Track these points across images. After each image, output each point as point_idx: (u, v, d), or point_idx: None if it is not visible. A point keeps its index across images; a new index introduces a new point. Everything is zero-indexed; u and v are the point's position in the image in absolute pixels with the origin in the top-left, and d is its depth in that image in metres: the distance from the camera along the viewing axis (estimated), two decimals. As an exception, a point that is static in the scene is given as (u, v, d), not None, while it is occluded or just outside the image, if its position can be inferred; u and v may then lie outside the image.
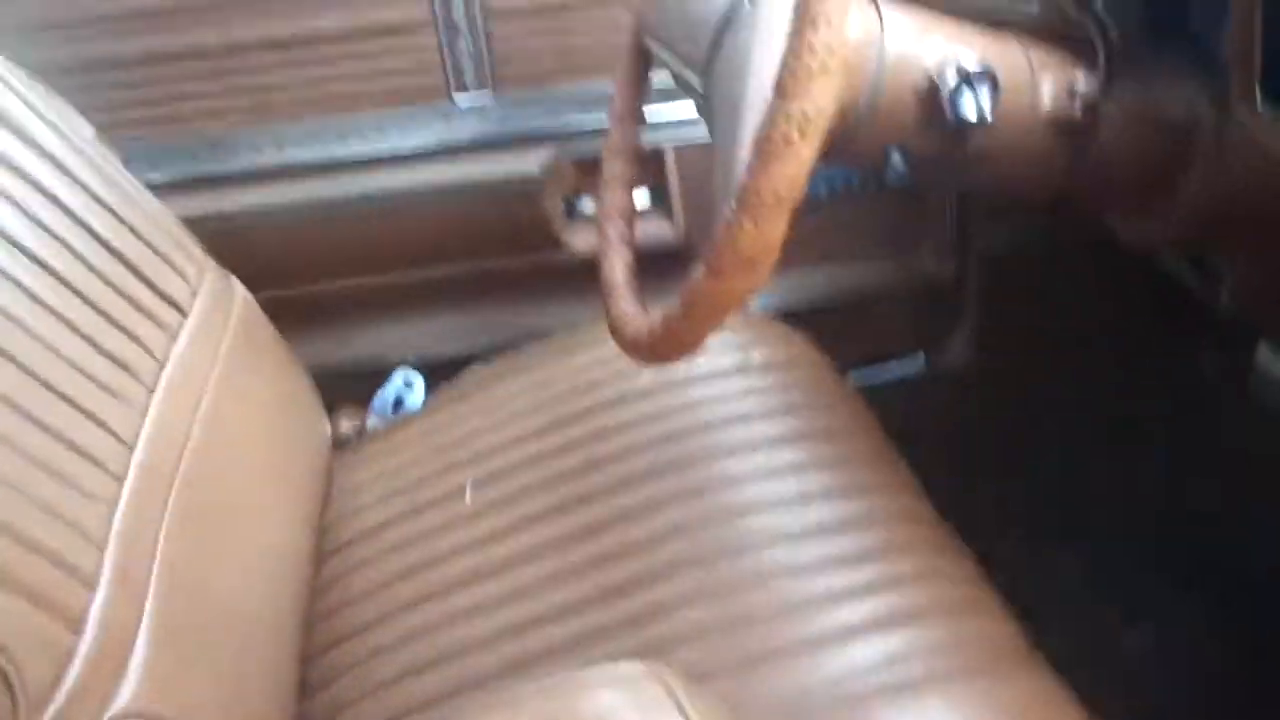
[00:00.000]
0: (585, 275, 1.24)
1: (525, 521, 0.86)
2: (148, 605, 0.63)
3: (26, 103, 0.78)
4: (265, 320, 0.96)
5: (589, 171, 1.21)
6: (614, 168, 0.83)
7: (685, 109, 1.13)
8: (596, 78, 1.16)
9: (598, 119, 1.18)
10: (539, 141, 1.17)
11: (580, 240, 1.21)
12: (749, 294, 0.55)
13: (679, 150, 1.17)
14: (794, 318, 1.05)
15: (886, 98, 0.63)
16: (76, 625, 0.57)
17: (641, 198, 1.25)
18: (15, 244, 0.68)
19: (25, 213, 0.70)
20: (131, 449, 0.70)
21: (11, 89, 0.77)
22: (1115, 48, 0.65)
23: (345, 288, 1.19)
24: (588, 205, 1.23)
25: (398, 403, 1.16)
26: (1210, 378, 1.12)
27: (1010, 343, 1.25)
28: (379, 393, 1.17)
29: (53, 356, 0.66)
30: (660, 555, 0.78)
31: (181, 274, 0.86)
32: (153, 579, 0.65)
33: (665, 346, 0.62)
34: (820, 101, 0.48)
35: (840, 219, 1.18)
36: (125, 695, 0.58)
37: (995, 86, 0.62)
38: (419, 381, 1.16)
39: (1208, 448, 1.13)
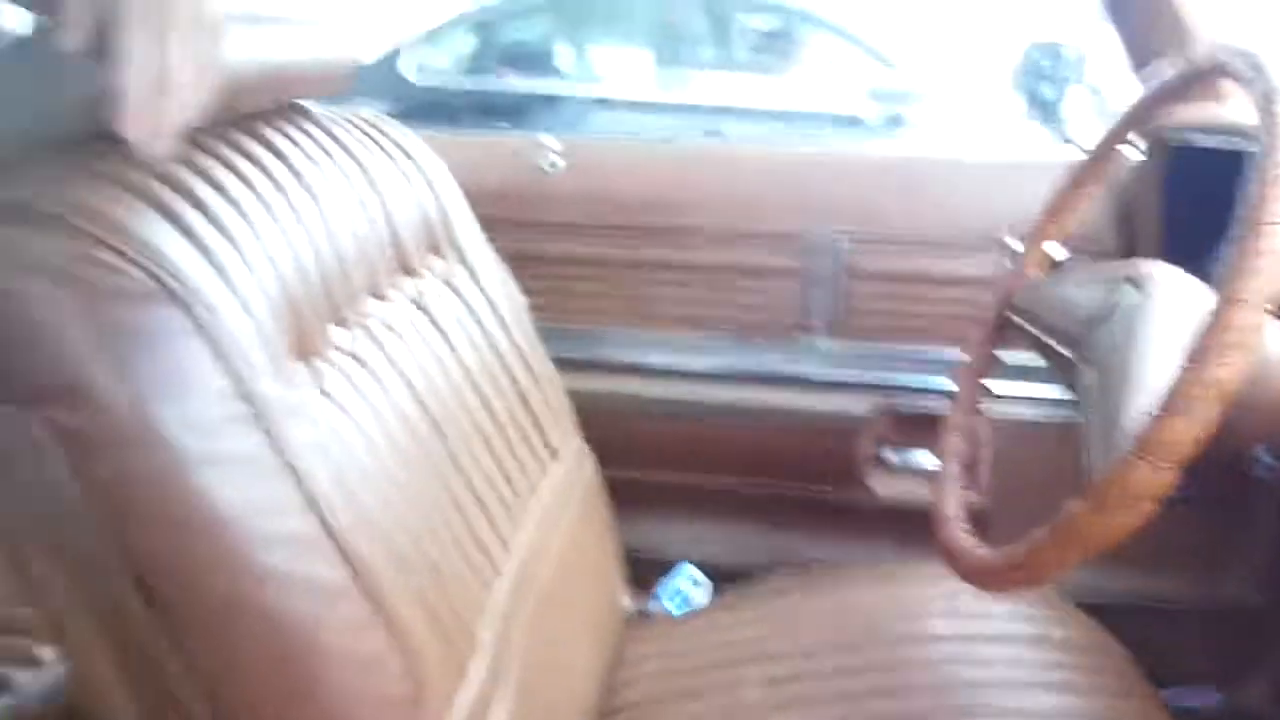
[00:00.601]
0: (880, 520, 1.31)
1: None
2: (511, 680, 0.73)
3: (491, 267, 0.98)
4: (603, 492, 1.09)
5: (904, 426, 1.31)
6: (959, 419, 0.92)
7: (1005, 388, 1.21)
8: (929, 343, 1.27)
9: (923, 379, 1.29)
10: (867, 389, 1.28)
11: (882, 486, 1.28)
12: (1123, 533, 0.60)
13: (995, 423, 1.23)
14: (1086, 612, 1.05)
15: (1269, 394, 0.67)
16: (463, 674, 0.68)
17: (933, 459, 1.32)
18: (461, 363, 0.85)
19: (472, 343, 0.88)
20: (508, 549, 0.82)
21: (486, 258, 0.98)
22: None
23: (664, 481, 1.32)
24: (893, 456, 1.31)
25: (680, 597, 1.24)
26: None
27: None
28: (665, 581, 1.26)
29: (470, 455, 0.80)
30: None
31: (559, 427, 1.01)
32: (514, 659, 0.75)
33: (1021, 574, 0.66)
34: (1232, 372, 0.55)
35: (1153, 522, 1.17)
36: None
37: None
38: (706, 582, 1.25)
39: None
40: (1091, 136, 1.27)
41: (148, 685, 0.58)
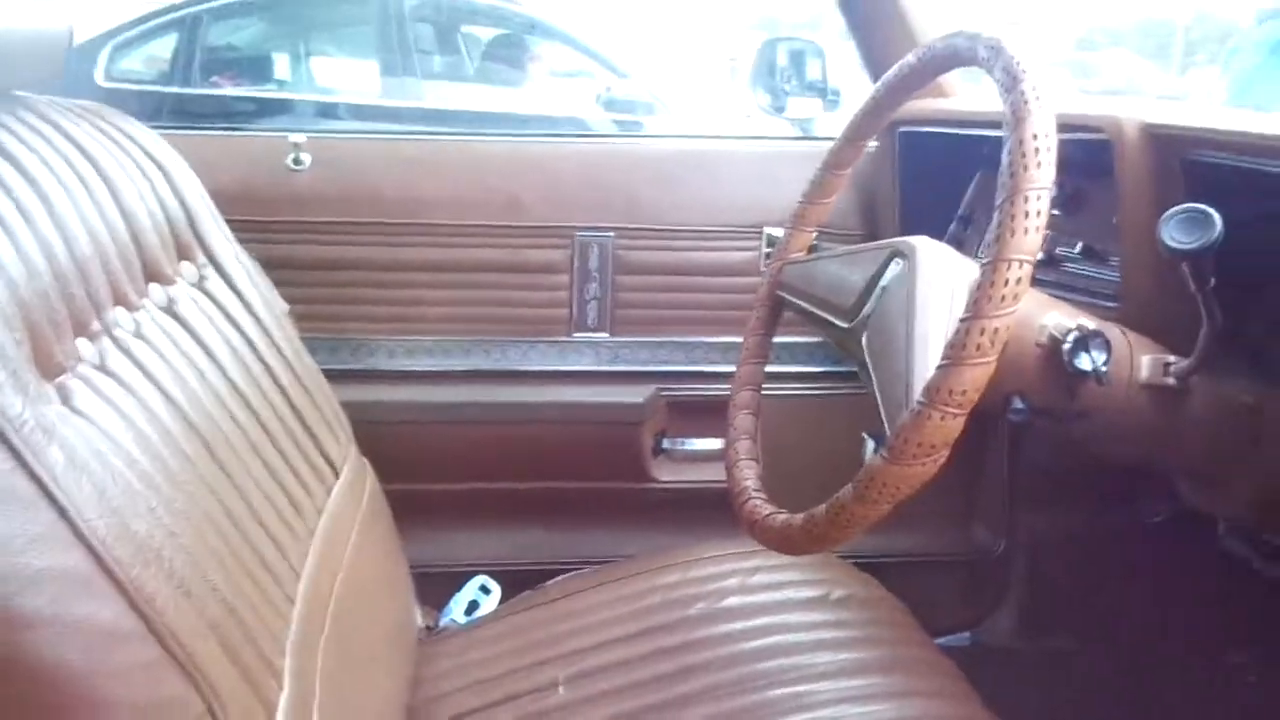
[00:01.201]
0: (666, 507, 1.33)
1: (618, 718, 0.88)
2: (314, 715, 0.67)
3: (247, 273, 0.90)
4: (386, 508, 1.04)
5: (681, 413, 1.34)
6: (744, 397, 0.95)
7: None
8: (699, 332, 1.31)
9: (696, 367, 1.32)
10: (642, 379, 1.29)
11: (665, 473, 1.30)
12: (921, 481, 0.64)
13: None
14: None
15: (1013, 349, 0.75)
16: (270, 712, 0.62)
17: (714, 444, 1.36)
18: (224, 375, 0.78)
19: (235, 354, 0.81)
20: (298, 576, 0.76)
21: (241, 263, 0.91)
22: (1213, 333, 0.78)
23: (444, 490, 1.27)
24: (674, 444, 1.34)
25: (471, 606, 1.20)
26: (1248, 680, 1.17)
27: (1055, 623, 1.31)
28: (455, 595, 1.21)
29: (246, 474, 0.74)
30: None
31: (336, 440, 0.95)
32: (317, 690, 0.69)
33: (832, 530, 0.69)
34: (1008, 323, 0.60)
35: None
36: None
37: (1108, 349, 0.74)
38: (496, 589, 1.21)
39: None
40: (834, 127, 1.37)
41: None
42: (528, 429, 1.29)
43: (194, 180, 0.88)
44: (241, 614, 0.63)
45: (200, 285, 0.83)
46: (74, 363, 0.62)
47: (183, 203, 0.85)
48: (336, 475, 0.93)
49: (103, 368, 0.64)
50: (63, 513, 0.51)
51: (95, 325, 0.67)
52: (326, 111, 3.87)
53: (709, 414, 1.32)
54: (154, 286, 0.77)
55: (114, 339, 0.68)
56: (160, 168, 0.84)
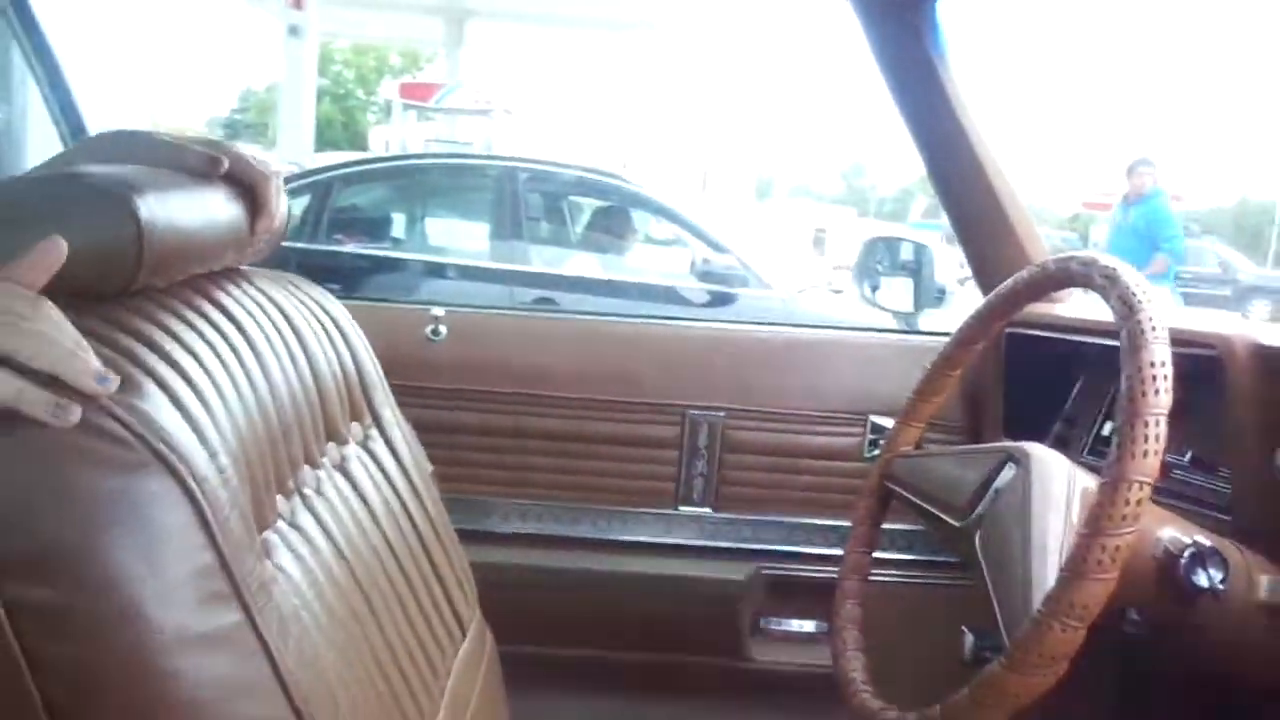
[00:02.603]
0: (762, 686, 1.33)
1: None
2: None
3: (403, 434, 0.97)
4: (500, 672, 1.07)
5: (780, 593, 1.36)
6: (851, 585, 0.97)
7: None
8: (801, 513, 1.34)
9: (797, 548, 1.35)
10: (744, 556, 1.32)
11: (761, 653, 1.31)
12: (1039, 691, 0.65)
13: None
14: None
15: (1130, 561, 0.77)
16: None
17: (809, 625, 1.37)
18: (382, 532, 0.83)
19: (390, 512, 0.86)
20: None
21: (399, 424, 0.98)
22: None
23: (546, 655, 1.29)
24: (771, 623, 1.35)
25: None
26: None
27: None
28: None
29: (396, 632, 0.78)
30: None
31: (466, 599, 0.99)
32: None
33: None
34: (1129, 539, 0.63)
35: None
36: None
37: (1225, 566, 0.76)
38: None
39: None
40: (937, 324, 1.43)
41: None
42: (630, 599, 1.32)
43: (366, 345, 0.96)
44: None
45: (365, 444, 0.88)
46: (275, 519, 0.67)
47: (358, 366, 0.91)
48: (465, 634, 0.96)
49: (293, 523, 0.69)
50: (274, 666, 0.55)
51: (290, 483, 0.72)
52: (437, 271, 4.11)
53: (808, 595, 1.33)
54: (331, 445, 0.82)
55: (303, 496, 0.72)
56: (342, 332, 0.90)
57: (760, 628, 1.36)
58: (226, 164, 0.70)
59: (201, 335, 0.65)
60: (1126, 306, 0.72)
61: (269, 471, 0.67)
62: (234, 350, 0.67)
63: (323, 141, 11.94)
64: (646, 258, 4.50)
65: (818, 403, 1.35)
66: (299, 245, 4.07)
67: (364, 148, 13.62)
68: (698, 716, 1.31)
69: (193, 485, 0.54)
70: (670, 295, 4.04)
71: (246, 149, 0.80)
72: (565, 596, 1.31)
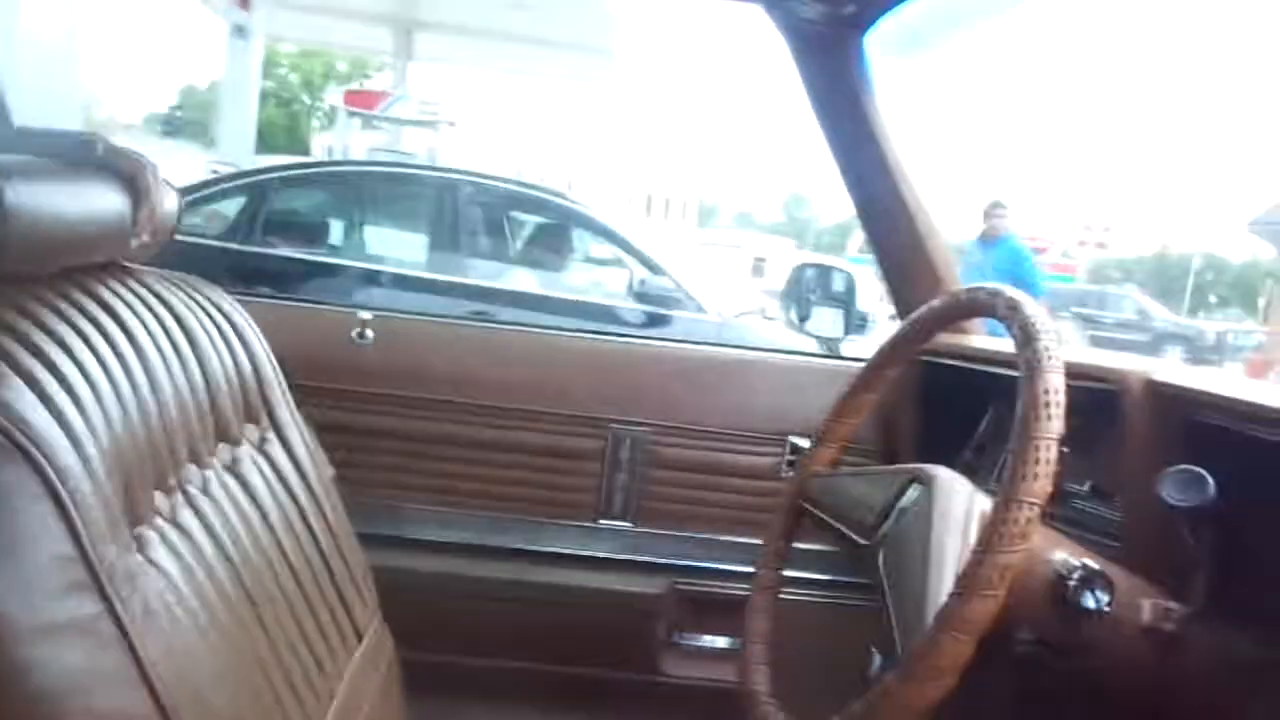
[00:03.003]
0: (672, 701, 1.34)
1: None
2: None
3: (302, 437, 0.97)
4: (400, 680, 1.06)
5: (695, 609, 1.37)
6: (761, 600, 0.99)
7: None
8: (719, 530, 1.36)
9: (713, 564, 1.37)
10: (661, 570, 1.34)
11: (674, 667, 1.32)
12: (931, 702, 0.68)
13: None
14: None
15: (1021, 582, 0.80)
16: None
17: (722, 641, 1.39)
18: (273, 534, 0.83)
19: (284, 515, 0.86)
20: None
21: (298, 427, 0.97)
22: (1209, 583, 0.82)
23: (458, 665, 1.29)
24: (687, 639, 1.36)
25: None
26: None
27: None
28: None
29: (281, 633, 0.77)
30: None
31: (364, 605, 0.99)
32: None
33: None
34: (1017, 558, 0.66)
35: None
36: None
37: (1111, 589, 0.79)
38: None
39: None
40: (858, 349, 1.46)
41: None
42: (546, 610, 1.32)
43: (265, 348, 0.95)
44: None
45: (260, 447, 0.88)
46: (150, 515, 0.66)
47: (255, 369, 0.91)
48: (360, 639, 0.96)
49: (174, 521, 0.69)
50: (135, 657, 0.55)
51: (171, 480, 0.72)
52: (372, 279, 4.07)
53: (723, 611, 1.35)
54: (222, 446, 0.82)
55: (185, 494, 0.72)
56: (239, 335, 0.91)
57: (675, 642, 1.37)
58: (101, 147, 0.70)
59: (75, 327, 0.65)
60: (1026, 335, 0.75)
61: (145, 467, 0.67)
62: (110, 344, 0.67)
63: (265, 146, 11.75)
64: (585, 276, 4.52)
65: (740, 422, 1.37)
66: (232, 246, 4.01)
67: (306, 153, 13.46)
68: None
69: (51, 475, 0.54)
70: (607, 314, 4.07)
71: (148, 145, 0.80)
72: (481, 606, 1.31)
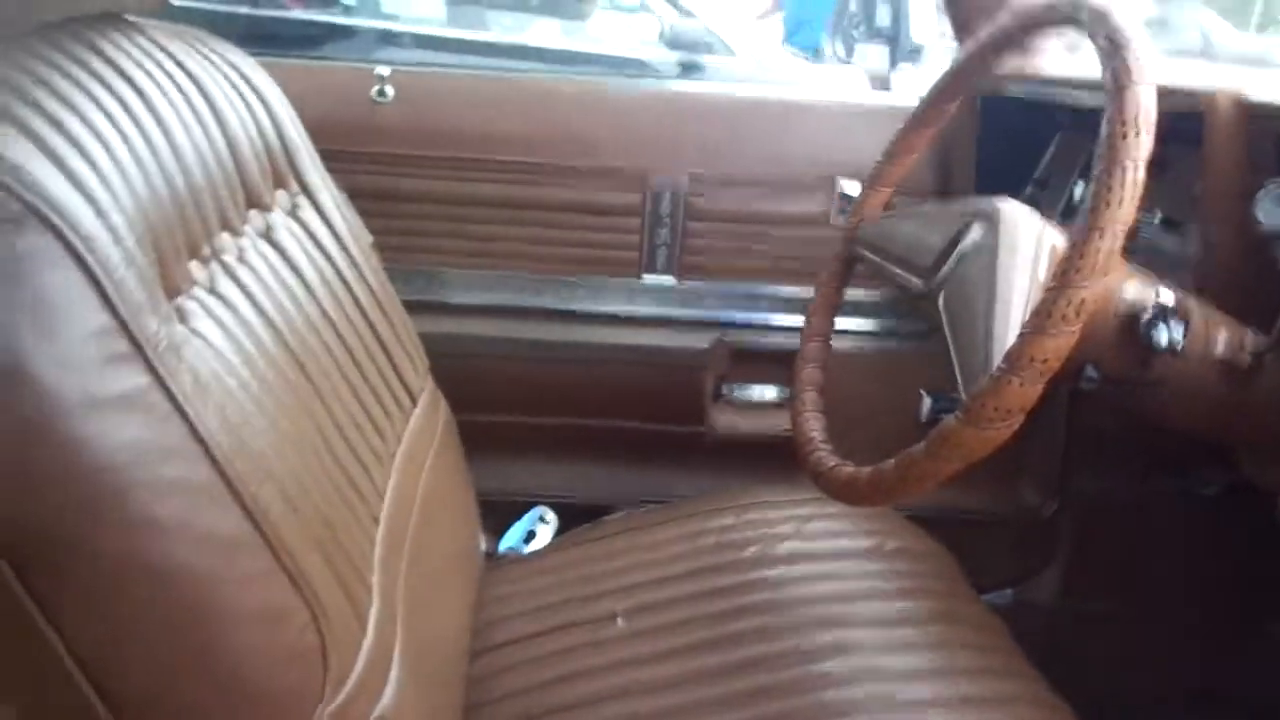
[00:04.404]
0: (723, 453, 1.36)
1: (674, 651, 0.92)
2: (398, 629, 0.71)
3: (336, 203, 0.93)
4: (457, 437, 1.07)
5: (743, 361, 1.36)
6: (812, 349, 0.96)
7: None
8: (764, 281, 1.32)
9: (760, 316, 1.34)
10: (707, 326, 1.32)
11: (723, 420, 1.33)
12: (995, 445, 0.65)
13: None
14: None
15: (1092, 318, 0.75)
16: (363, 625, 0.65)
17: (771, 393, 1.38)
18: (317, 301, 0.81)
19: (325, 281, 0.84)
20: (382, 498, 0.80)
21: (330, 192, 0.93)
22: None
23: (509, 422, 1.31)
24: (734, 391, 1.36)
25: (529, 536, 1.25)
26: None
27: (1099, 587, 1.32)
28: (515, 524, 1.26)
29: (336, 398, 0.77)
30: (792, 703, 0.84)
31: (415, 369, 0.98)
32: (399, 607, 0.73)
33: (899, 485, 0.71)
34: (1093, 294, 0.62)
35: None
36: (387, 699, 0.65)
37: (1186, 323, 0.75)
38: (553, 519, 1.25)
39: None
40: (911, 84, 1.36)
41: (22, 674, 0.51)
42: (592, 368, 1.32)
43: (289, 109, 0.90)
44: (338, 531, 0.67)
45: (294, 213, 0.86)
46: (189, 285, 0.65)
47: (280, 131, 0.87)
48: (414, 403, 0.96)
49: (213, 290, 0.67)
50: (192, 428, 0.54)
51: (205, 250, 0.70)
52: (389, 39, 3.87)
53: (770, 363, 1.34)
54: (254, 213, 0.79)
55: (222, 263, 0.70)
56: (260, 95, 0.85)
57: (723, 395, 1.37)
58: None
59: (78, 83, 0.59)
60: (1113, 45, 0.67)
61: (177, 235, 0.63)
62: (120, 101, 0.62)
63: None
64: (612, 25, 4.26)
65: (784, 168, 1.30)
66: (241, 11, 3.80)
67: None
68: (660, 481, 1.35)
69: (76, 242, 0.50)
70: (637, 65, 3.85)
71: None
72: (526, 367, 1.31)
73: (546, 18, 4.19)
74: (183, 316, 0.61)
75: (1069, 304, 0.62)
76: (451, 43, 3.83)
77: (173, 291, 0.62)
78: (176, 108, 0.71)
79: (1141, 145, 0.62)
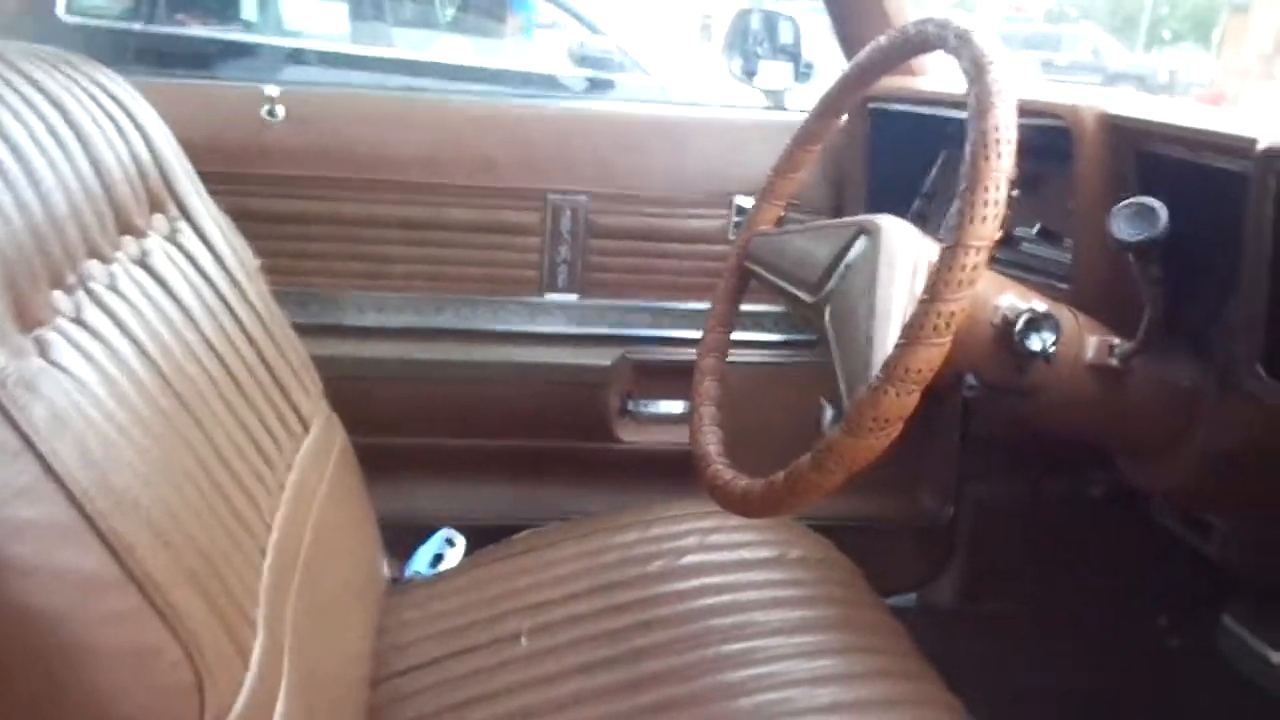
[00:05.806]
0: (628, 468, 1.37)
1: (577, 669, 0.92)
2: (285, 662, 0.69)
3: (219, 226, 0.91)
4: (355, 462, 1.06)
5: (645, 376, 1.37)
6: (709, 363, 0.98)
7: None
8: (667, 297, 1.34)
9: (663, 332, 1.35)
10: (610, 342, 1.32)
11: (629, 435, 1.34)
12: (875, 453, 0.67)
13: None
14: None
15: (969, 328, 0.78)
16: (245, 659, 0.64)
17: (677, 407, 1.40)
18: (197, 328, 0.79)
19: (207, 307, 0.82)
20: (269, 528, 0.78)
21: (212, 216, 0.91)
22: (1155, 319, 0.82)
23: (413, 445, 1.29)
24: (638, 406, 1.37)
25: (435, 559, 1.23)
26: (1171, 645, 1.24)
27: (996, 588, 1.37)
28: (420, 547, 1.24)
29: (219, 427, 0.75)
30: (696, 714, 0.85)
31: (307, 394, 0.96)
32: (287, 639, 0.71)
33: (790, 497, 0.72)
34: (963, 305, 0.64)
35: None
36: None
37: (1057, 330, 0.78)
38: (461, 541, 1.24)
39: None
40: (806, 101, 1.39)
41: None
42: (496, 388, 1.32)
43: (165, 131, 0.87)
44: (217, 564, 0.65)
45: (172, 238, 0.83)
46: (51, 315, 0.62)
47: (154, 154, 0.84)
48: (306, 429, 0.94)
49: (79, 320, 0.64)
50: (46, 466, 0.52)
51: (70, 278, 0.67)
52: (294, 58, 3.80)
53: (674, 377, 1.35)
54: (127, 239, 0.77)
55: (89, 292, 0.68)
56: (131, 118, 0.83)
57: (628, 410, 1.38)
58: None
59: None
60: (976, 67, 0.69)
61: (33, 264, 0.61)
62: None
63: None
64: (522, 43, 4.26)
65: (683, 185, 1.32)
66: (135, 28, 3.69)
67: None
68: (567, 498, 1.35)
69: None
70: (546, 82, 3.86)
71: None
72: (428, 389, 1.30)
73: (457, 34, 4.17)
74: (42, 348, 0.59)
75: (939, 316, 0.64)
76: (357, 60, 3.78)
77: (31, 323, 0.60)
78: (33, 131, 0.68)
79: (1003, 165, 0.65)
